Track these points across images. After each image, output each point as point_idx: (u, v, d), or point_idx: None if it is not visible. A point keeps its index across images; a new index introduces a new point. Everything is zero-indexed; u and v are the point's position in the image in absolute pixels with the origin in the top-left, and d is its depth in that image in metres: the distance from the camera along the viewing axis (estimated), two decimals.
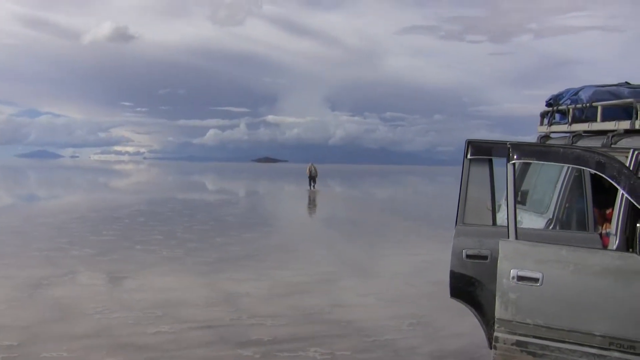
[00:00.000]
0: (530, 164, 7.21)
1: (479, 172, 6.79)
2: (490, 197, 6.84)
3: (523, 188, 7.69)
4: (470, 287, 6.61)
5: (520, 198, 7.49)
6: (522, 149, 6.19)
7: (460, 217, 6.70)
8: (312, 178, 56.69)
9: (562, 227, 6.89)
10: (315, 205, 40.16)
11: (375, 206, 40.33)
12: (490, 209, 7.07)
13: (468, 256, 6.55)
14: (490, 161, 6.81)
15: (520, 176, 7.56)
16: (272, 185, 71.07)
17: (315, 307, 11.12)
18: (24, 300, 11.23)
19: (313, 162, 58.59)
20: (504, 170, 6.22)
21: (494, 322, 6.32)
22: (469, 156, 6.69)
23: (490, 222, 6.74)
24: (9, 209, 32.02)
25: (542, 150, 6.38)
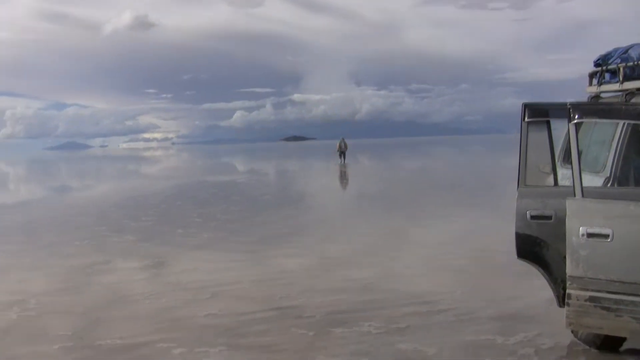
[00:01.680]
0: (581, 124, 7.11)
1: (537, 135, 6.80)
2: (550, 159, 6.85)
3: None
4: (536, 248, 6.65)
5: (569, 160, 7.43)
6: (584, 108, 6.19)
7: (521, 180, 6.76)
8: (342, 153, 57.26)
9: (620, 185, 6.89)
10: (347, 180, 40.23)
11: (407, 178, 40.31)
12: (549, 170, 7.09)
13: (532, 217, 6.61)
14: (548, 123, 6.82)
15: (566, 138, 7.51)
16: (303, 162, 71.13)
17: (366, 279, 11.06)
18: (75, 287, 11.28)
19: (343, 137, 59.04)
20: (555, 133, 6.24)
21: (561, 281, 6.40)
22: (526, 119, 6.74)
23: (552, 183, 6.80)
24: (47, 200, 32.29)
25: (603, 109, 6.38)
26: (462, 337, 7.69)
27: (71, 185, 45.80)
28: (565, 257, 6.22)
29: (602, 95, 7.51)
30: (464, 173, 42.15)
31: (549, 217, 6.53)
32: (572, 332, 7.23)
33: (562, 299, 6.50)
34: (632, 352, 6.97)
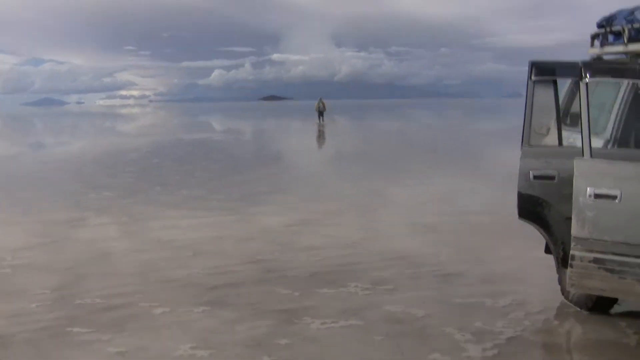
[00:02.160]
0: (578, 85, 6.96)
1: (543, 94, 6.64)
2: (555, 118, 6.71)
3: (572, 110, 7.46)
4: (538, 208, 6.57)
5: (570, 120, 7.30)
6: (596, 67, 6.11)
7: (525, 139, 6.65)
8: (321, 113, 57.72)
9: (620, 146, 6.77)
10: (325, 139, 40.36)
11: (386, 139, 40.23)
12: (546, 132, 6.98)
13: (535, 177, 6.52)
14: (555, 82, 6.66)
15: (570, 98, 7.35)
16: (281, 122, 71.05)
17: (349, 238, 10.95)
18: (52, 244, 11.04)
19: (321, 97, 59.36)
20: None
21: (562, 242, 6.32)
22: (532, 78, 6.56)
23: (556, 143, 6.65)
24: (23, 156, 31.82)
25: (617, 68, 6.30)
26: (450, 300, 7.56)
27: (47, 142, 45.16)
28: (567, 219, 6.15)
29: (605, 57, 7.34)
30: (440, 135, 42.38)
31: (552, 177, 6.44)
32: (563, 293, 7.16)
33: (562, 260, 6.45)
34: (622, 315, 6.91)
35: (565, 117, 7.32)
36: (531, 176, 6.51)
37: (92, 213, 13.81)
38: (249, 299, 7.76)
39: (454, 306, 7.34)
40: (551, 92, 6.64)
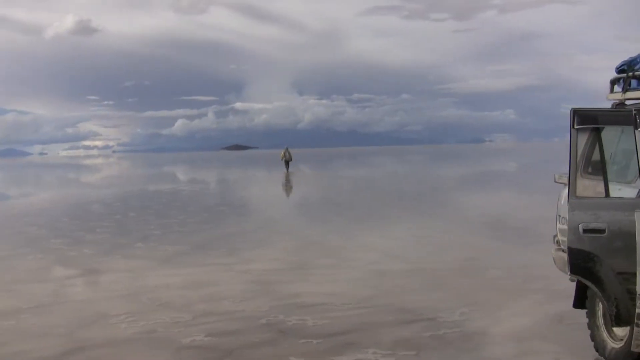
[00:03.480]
0: (596, 135, 6.79)
1: (585, 142, 6.55)
2: (601, 168, 6.50)
3: (593, 158, 7.28)
4: (589, 263, 6.28)
5: (592, 169, 7.12)
6: None
7: (572, 191, 6.41)
8: (287, 162, 58.53)
9: None
10: (292, 188, 40.62)
11: (357, 187, 40.40)
12: (565, 181, 6.86)
13: (585, 231, 6.25)
14: (598, 130, 6.54)
15: (591, 146, 7.16)
16: (248, 172, 70.69)
17: (353, 294, 10.61)
18: (45, 307, 10.63)
19: (287, 147, 59.98)
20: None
21: (615, 298, 6.11)
22: (575, 126, 6.39)
23: (603, 194, 6.40)
24: None
25: None
26: None
27: (15, 194, 44.27)
28: (619, 274, 6.02)
29: (627, 102, 7.22)
30: (403, 181, 42.70)
31: (601, 231, 6.20)
32: (597, 350, 6.95)
33: (615, 317, 6.20)
34: None
35: (589, 165, 7.16)
36: (580, 230, 6.27)
37: (78, 271, 13.42)
38: None
39: None
40: (595, 140, 6.56)
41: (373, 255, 14.63)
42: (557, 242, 7.73)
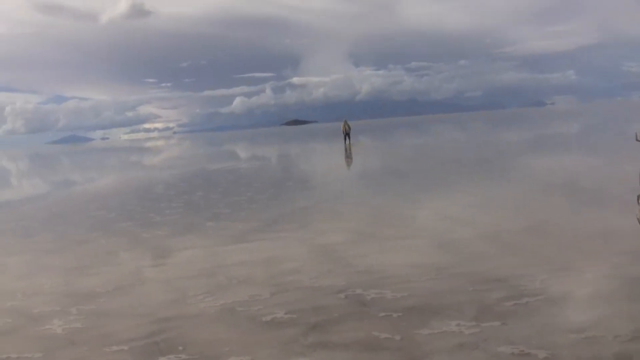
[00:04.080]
0: None
1: None
2: None
3: None
4: None
5: None
6: None
7: None
8: (347, 134, 59.25)
9: None
10: (352, 160, 40.11)
11: (416, 155, 39.74)
12: None
13: None
14: None
15: None
16: (310, 146, 70.71)
17: (432, 263, 10.51)
18: (130, 287, 10.78)
19: (346, 119, 61.50)
20: None
21: None
22: None
23: None
24: (67, 194, 31.63)
25: None
26: (566, 335, 7.11)
27: (82, 180, 45.09)
28: None
29: None
30: (467, 148, 42.06)
31: None
32: None
33: None
34: None
35: None
36: None
37: (151, 252, 13.57)
38: (345, 337, 7.40)
39: (579, 341, 6.87)
40: None
41: (445, 222, 14.47)
42: None
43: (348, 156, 43.42)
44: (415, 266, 10.50)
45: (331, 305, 8.70)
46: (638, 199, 7.62)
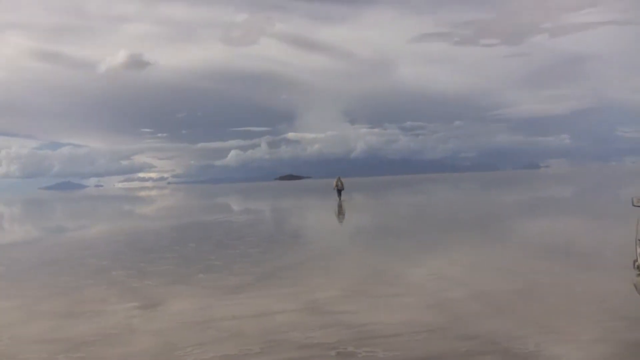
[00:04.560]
0: None
1: None
2: None
3: None
4: None
5: None
6: None
7: None
8: (339, 191, 59.55)
9: None
10: (344, 216, 40.16)
11: (409, 214, 39.62)
12: None
13: None
14: None
15: None
16: (303, 201, 70.73)
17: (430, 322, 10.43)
18: (119, 336, 10.65)
19: (340, 176, 61.79)
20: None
21: None
22: None
23: None
24: (58, 240, 31.41)
25: None
26: None
27: (75, 227, 44.88)
28: None
29: None
30: (461, 209, 41.90)
31: None
32: None
33: None
34: None
35: None
36: None
37: (142, 302, 13.45)
38: None
39: None
40: None
41: (438, 282, 14.40)
42: (638, 267, 7.49)
43: (340, 212, 43.44)
44: (408, 325, 10.43)
45: None
46: (634, 264, 7.61)
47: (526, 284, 13.52)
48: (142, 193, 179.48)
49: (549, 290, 12.84)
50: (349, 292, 13.70)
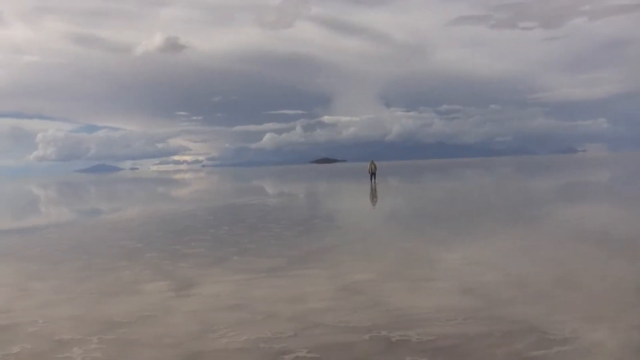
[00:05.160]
0: None
1: None
2: None
3: None
4: None
5: None
6: None
7: None
8: (373, 174, 60.67)
9: None
10: (377, 200, 40.02)
11: (441, 199, 39.35)
12: None
13: None
14: None
15: None
16: (337, 184, 70.72)
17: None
18: (156, 317, 10.68)
19: (373, 159, 63.87)
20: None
21: None
22: None
23: None
24: (97, 222, 31.70)
25: None
26: None
27: (110, 209, 45.19)
28: None
29: None
30: (497, 194, 41.49)
31: None
32: None
33: None
34: None
35: None
36: None
37: (176, 284, 13.48)
38: None
39: None
40: None
41: (473, 266, 14.26)
42: None
43: (374, 196, 43.31)
44: (443, 310, 10.33)
45: (356, 345, 8.55)
46: None
47: (562, 270, 13.34)
48: (177, 176, 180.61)
49: (585, 277, 12.66)
50: (384, 275, 13.61)
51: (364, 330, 9.22)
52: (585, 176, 63.56)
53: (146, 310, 11.19)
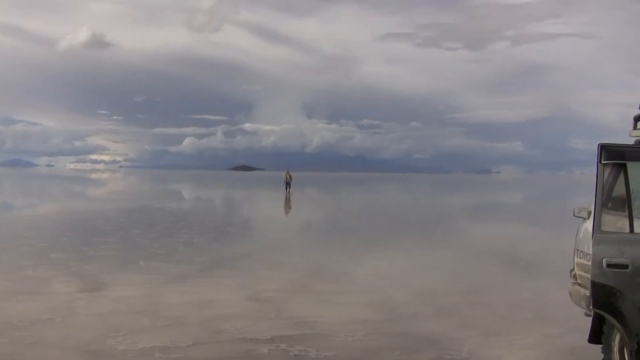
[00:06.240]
0: (622, 170, 6.64)
1: (611, 177, 6.46)
2: (627, 204, 6.42)
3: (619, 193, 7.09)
4: (612, 298, 6.27)
5: (617, 204, 6.92)
6: None
7: (597, 225, 6.38)
8: (288, 183, 60.71)
9: None
10: (291, 208, 40.29)
11: (352, 211, 39.84)
12: (587, 215, 7.06)
13: (608, 265, 6.25)
14: (624, 166, 6.41)
15: (616, 181, 6.98)
16: (252, 192, 70.86)
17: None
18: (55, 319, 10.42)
19: (288, 169, 63.66)
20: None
21: (636, 334, 6.13)
22: (602, 161, 6.36)
23: (627, 230, 6.36)
24: (5, 218, 30.90)
25: None
26: None
27: (21, 206, 44.00)
28: None
29: None
30: (410, 209, 42.38)
31: (625, 266, 6.20)
32: None
33: (635, 354, 6.19)
34: None
35: (608, 201, 6.99)
36: (604, 265, 6.25)
37: (79, 286, 13.21)
38: None
39: None
40: (620, 175, 6.44)
41: (382, 281, 14.40)
42: (574, 276, 7.56)
43: (288, 205, 43.57)
44: (347, 323, 10.36)
45: (253, 359, 8.49)
46: (570, 273, 7.67)
47: (467, 288, 13.61)
48: (94, 175, 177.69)
49: (489, 294, 12.96)
50: (292, 286, 13.63)
51: (265, 343, 9.16)
52: (497, 197, 65.12)
53: (45, 313, 10.89)
